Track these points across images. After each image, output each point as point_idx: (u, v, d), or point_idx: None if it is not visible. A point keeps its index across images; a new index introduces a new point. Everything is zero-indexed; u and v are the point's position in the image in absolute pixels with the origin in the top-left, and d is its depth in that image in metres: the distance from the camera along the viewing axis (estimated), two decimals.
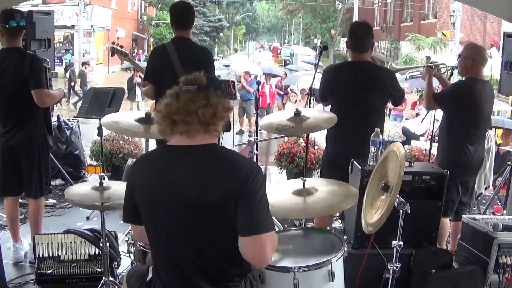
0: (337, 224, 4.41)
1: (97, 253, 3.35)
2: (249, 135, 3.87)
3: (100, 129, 4.46)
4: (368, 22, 4.02)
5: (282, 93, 14.96)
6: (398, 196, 2.38)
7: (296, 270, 2.29)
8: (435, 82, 3.98)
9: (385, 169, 2.54)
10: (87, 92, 5.97)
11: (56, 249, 3.40)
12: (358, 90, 3.47)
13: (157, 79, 3.74)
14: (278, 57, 41.01)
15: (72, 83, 17.51)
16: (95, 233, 3.28)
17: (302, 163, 5.98)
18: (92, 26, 28.05)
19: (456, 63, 3.81)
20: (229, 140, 4.83)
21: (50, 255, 3.37)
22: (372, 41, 3.57)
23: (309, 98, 4.10)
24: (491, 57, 4.52)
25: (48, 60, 4.20)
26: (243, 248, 1.87)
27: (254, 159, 3.65)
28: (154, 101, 3.88)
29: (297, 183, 2.76)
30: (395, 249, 2.58)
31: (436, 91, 3.86)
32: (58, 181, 5.81)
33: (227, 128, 1.95)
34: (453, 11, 22.83)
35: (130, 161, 5.49)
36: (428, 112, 4.87)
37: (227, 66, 21.37)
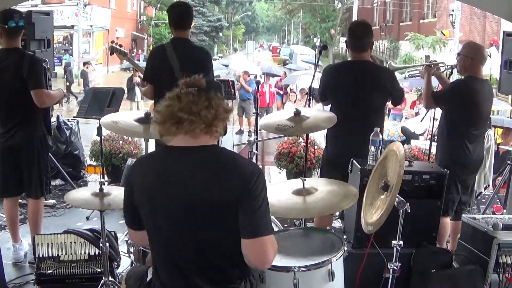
0: (337, 223, 4.42)
1: (97, 253, 3.34)
2: (248, 135, 3.86)
3: (99, 129, 4.46)
4: (368, 22, 4.01)
5: (281, 92, 14.97)
6: (398, 195, 2.38)
7: (296, 270, 2.30)
8: (434, 81, 3.97)
9: (384, 168, 2.54)
10: (87, 92, 5.97)
11: (56, 249, 3.39)
12: (358, 89, 3.47)
13: (156, 79, 3.74)
14: (277, 56, 41.01)
15: (68, 83, 17.49)
16: (95, 233, 3.29)
17: (301, 162, 5.97)
18: (91, 26, 28.02)
19: (455, 62, 3.81)
20: (228, 140, 4.83)
21: (50, 255, 3.37)
22: (371, 40, 3.57)
23: (308, 97, 4.08)
24: (490, 56, 4.52)
25: (47, 60, 4.19)
26: (245, 250, 1.87)
27: (254, 159, 3.64)
28: (153, 101, 3.88)
29: (296, 183, 2.76)
30: (395, 248, 2.58)
31: (435, 90, 3.87)
32: (57, 181, 5.82)
33: (224, 131, 1.96)
34: (453, 10, 22.88)
35: (130, 161, 5.49)
36: (427, 111, 4.86)
37: (226, 65, 21.41)
